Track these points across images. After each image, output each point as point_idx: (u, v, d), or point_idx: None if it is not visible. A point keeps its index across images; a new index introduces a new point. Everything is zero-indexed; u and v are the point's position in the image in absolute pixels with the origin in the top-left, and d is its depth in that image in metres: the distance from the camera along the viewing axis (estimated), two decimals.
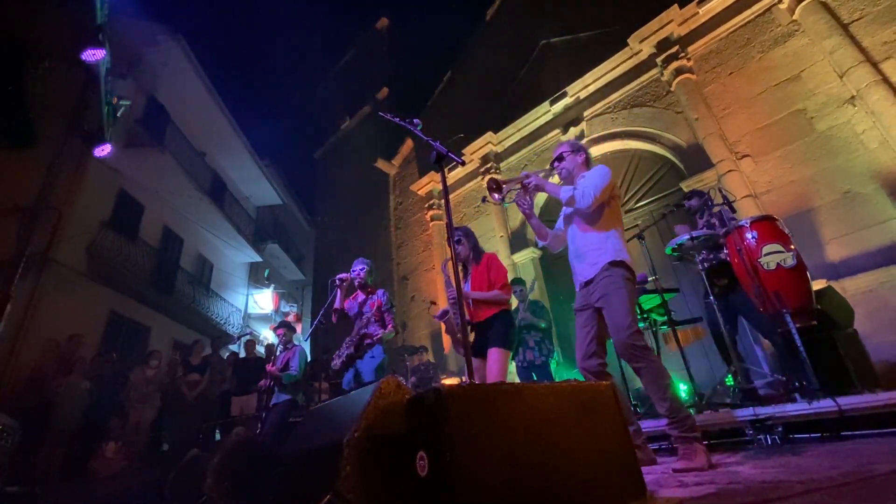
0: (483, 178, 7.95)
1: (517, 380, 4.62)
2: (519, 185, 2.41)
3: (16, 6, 6.18)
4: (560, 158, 2.52)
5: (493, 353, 2.71)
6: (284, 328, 4.91)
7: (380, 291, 3.82)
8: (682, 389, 3.50)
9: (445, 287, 3.20)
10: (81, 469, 4.88)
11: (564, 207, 2.52)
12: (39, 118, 5.84)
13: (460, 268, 3.00)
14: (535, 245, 7.00)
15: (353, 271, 3.80)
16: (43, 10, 6.77)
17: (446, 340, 7.38)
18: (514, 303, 4.62)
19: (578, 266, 2.37)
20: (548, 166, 2.65)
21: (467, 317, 2.89)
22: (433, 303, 7.47)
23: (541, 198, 7.22)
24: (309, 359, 6.09)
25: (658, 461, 2.20)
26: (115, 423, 5.40)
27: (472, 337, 2.90)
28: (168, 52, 9.95)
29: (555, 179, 2.60)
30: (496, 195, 2.38)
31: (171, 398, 6.00)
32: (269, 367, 4.49)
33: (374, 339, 3.58)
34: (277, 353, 4.80)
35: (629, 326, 2.07)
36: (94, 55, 5.28)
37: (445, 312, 3.09)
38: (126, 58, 8.86)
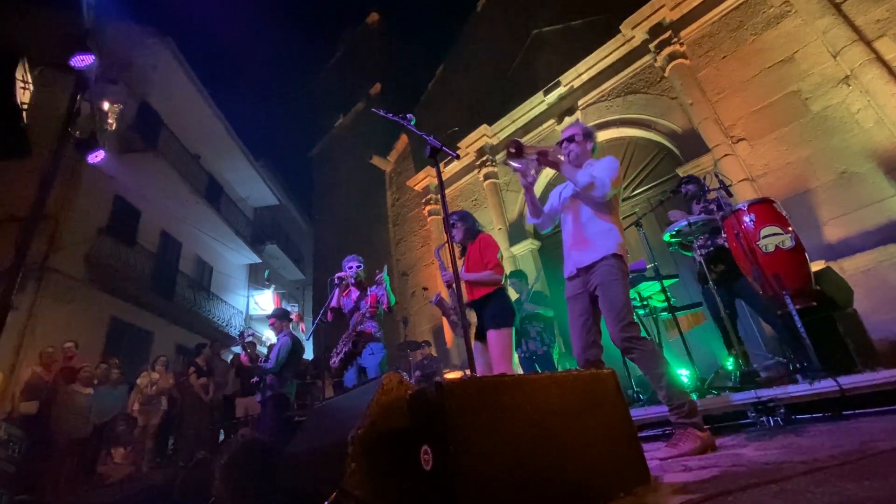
0: (479, 171, 7.91)
1: (520, 370, 4.64)
2: (536, 155, 2.28)
3: (0, 14, 6.12)
4: (571, 140, 2.44)
5: (492, 335, 2.75)
6: (275, 318, 4.65)
7: (379, 276, 3.72)
8: (685, 375, 3.52)
9: (440, 270, 3.25)
10: (91, 475, 4.91)
11: (560, 190, 2.53)
12: (31, 126, 5.81)
13: (459, 250, 3.07)
14: (534, 236, 6.99)
15: (346, 268, 3.80)
16: (29, 17, 6.70)
17: (448, 334, 7.40)
18: (514, 295, 4.61)
19: (578, 252, 2.35)
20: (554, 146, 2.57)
21: (465, 297, 2.94)
22: (425, 288, 7.53)
23: (538, 186, 7.21)
24: (312, 357, 6.10)
25: (658, 447, 2.21)
26: (122, 428, 5.43)
27: (473, 317, 2.94)
28: (157, 55, 9.89)
29: None
30: (515, 162, 2.27)
31: (185, 401, 6.01)
32: (242, 356, 4.40)
33: (372, 336, 3.58)
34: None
35: (623, 318, 2.11)
36: (82, 61, 5.21)
37: (439, 297, 3.15)
38: (116, 63, 8.78)
